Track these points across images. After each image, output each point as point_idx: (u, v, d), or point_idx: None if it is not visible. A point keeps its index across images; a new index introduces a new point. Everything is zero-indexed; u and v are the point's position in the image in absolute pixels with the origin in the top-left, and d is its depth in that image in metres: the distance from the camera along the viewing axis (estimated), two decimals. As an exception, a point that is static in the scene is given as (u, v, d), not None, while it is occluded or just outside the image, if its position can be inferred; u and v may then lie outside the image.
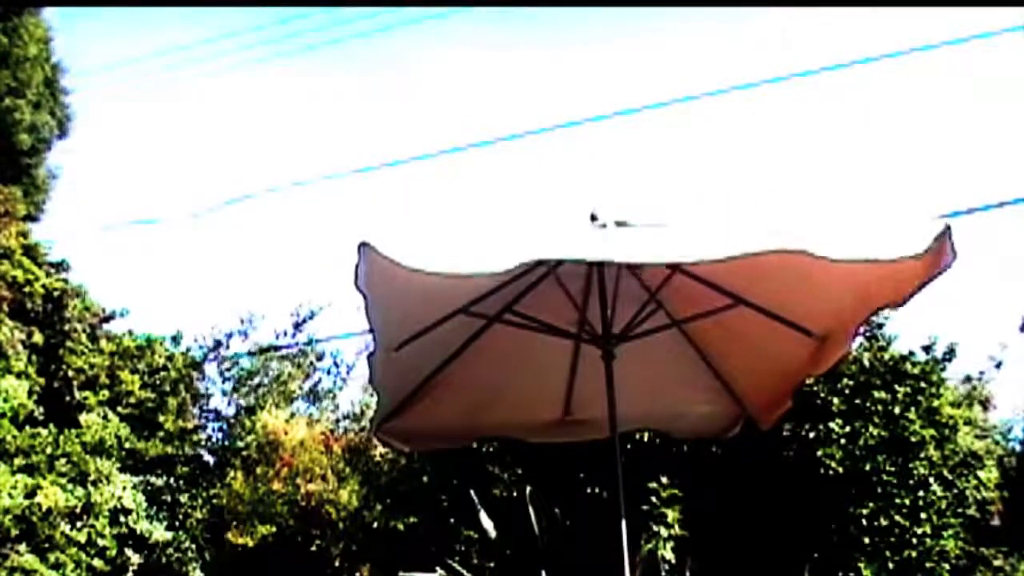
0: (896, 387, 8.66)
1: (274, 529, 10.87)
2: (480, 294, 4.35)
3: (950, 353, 9.52)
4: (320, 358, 13.64)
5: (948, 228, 3.26)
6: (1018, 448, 12.87)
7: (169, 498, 11.49)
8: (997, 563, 9.29)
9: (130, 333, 13.10)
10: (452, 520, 9.35)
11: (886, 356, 8.94)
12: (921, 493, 8.39)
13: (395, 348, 4.20)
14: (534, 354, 4.66)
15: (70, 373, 11.99)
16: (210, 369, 13.28)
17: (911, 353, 9.18)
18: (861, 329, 4.75)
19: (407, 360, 4.29)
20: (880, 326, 9.35)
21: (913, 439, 8.47)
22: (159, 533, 10.85)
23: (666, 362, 4.72)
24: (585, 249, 3.46)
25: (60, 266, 12.95)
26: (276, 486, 11.03)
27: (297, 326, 13.24)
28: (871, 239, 3.29)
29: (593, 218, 3.88)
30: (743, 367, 4.74)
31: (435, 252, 3.26)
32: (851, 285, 3.79)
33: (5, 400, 10.55)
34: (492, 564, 8.60)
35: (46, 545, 9.69)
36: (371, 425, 5.03)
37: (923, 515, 8.32)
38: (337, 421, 13.22)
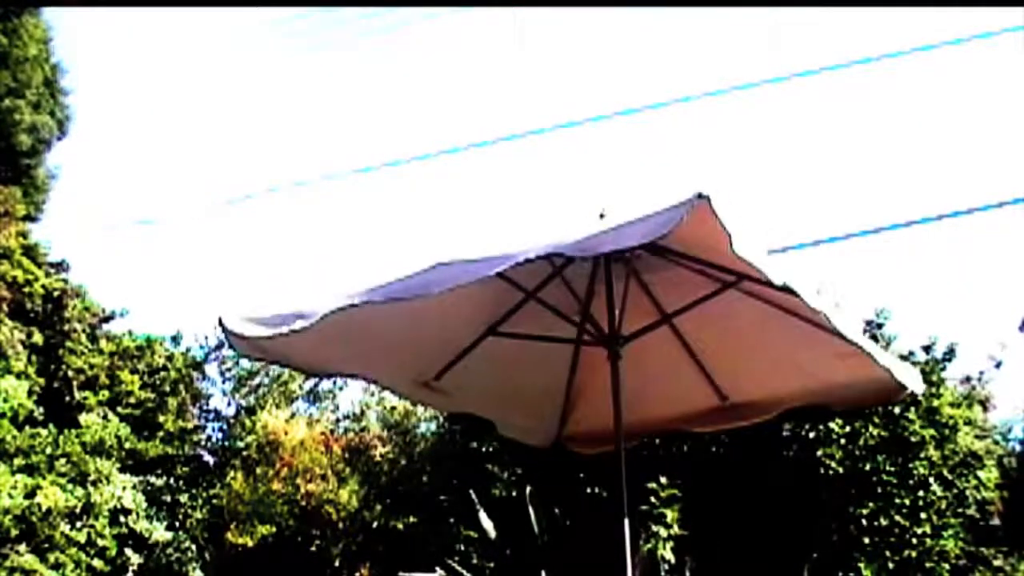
0: (896, 387, 8.64)
1: (274, 529, 10.88)
2: (500, 315, 4.38)
3: (950, 353, 9.52)
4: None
5: (699, 200, 3.03)
6: (1018, 448, 12.87)
7: (169, 498, 11.49)
8: (997, 563, 9.28)
9: (130, 333, 13.12)
10: (452, 520, 9.35)
11: (886, 356, 8.93)
12: (921, 493, 8.38)
13: (434, 377, 4.27)
14: (654, 351, 4.62)
15: (70, 373, 12.00)
16: (210, 369, 13.29)
17: (911, 353, 9.17)
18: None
19: (494, 376, 4.38)
20: (880, 326, 9.35)
21: (913, 439, 8.46)
22: (159, 533, 10.85)
23: (795, 340, 4.61)
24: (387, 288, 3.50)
25: (60, 266, 12.97)
26: (276, 486, 11.04)
27: (297, 326, 13.23)
28: (619, 229, 3.23)
29: (602, 216, 3.91)
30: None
31: (269, 317, 3.40)
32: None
33: (5, 400, 10.55)
34: (492, 564, 8.60)
35: (46, 545, 9.69)
36: (547, 441, 5.04)
37: (923, 515, 8.31)
38: (337, 421, 13.23)
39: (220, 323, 3.43)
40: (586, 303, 4.50)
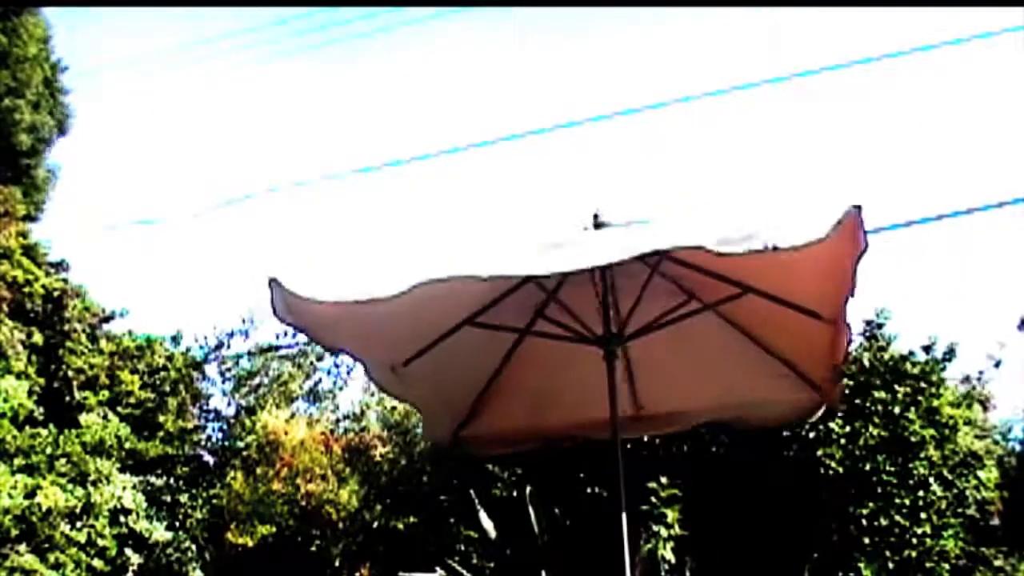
0: (896, 387, 8.66)
1: (274, 529, 10.87)
2: (482, 305, 4.37)
3: (950, 353, 9.52)
4: (321, 358, 13.62)
5: (856, 209, 3.17)
6: (1018, 448, 12.86)
7: (169, 498, 11.47)
8: (997, 563, 9.28)
9: (130, 333, 13.09)
10: (452, 520, 9.35)
11: (886, 356, 8.94)
12: (921, 493, 8.39)
13: (403, 363, 4.27)
14: (584, 354, 4.62)
15: (70, 373, 11.99)
16: (210, 369, 13.27)
17: (911, 353, 9.17)
18: (852, 321, 4.69)
19: (439, 370, 4.37)
20: (880, 326, 9.35)
21: (913, 439, 8.47)
22: (159, 533, 10.84)
23: (730, 352, 4.67)
24: (481, 266, 3.47)
25: (60, 266, 12.95)
26: (276, 486, 11.03)
27: (297, 326, 13.21)
28: (769, 228, 3.22)
29: (596, 217, 3.92)
30: (794, 352, 4.67)
31: (329, 283, 3.38)
32: (822, 271, 3.74)
33: (5, 400, 10.54)
34: (492, 564, 8.60)
35: (46, 545, 9.68)
36: (443, 438, 5.02)
37: (923, 515, 8.32)
38: (337, 421, 13.21)
39: (273, 282, 3.41)
40: (547, 301, 4.50)
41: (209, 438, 13.11)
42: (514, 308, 4.49)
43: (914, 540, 8.25)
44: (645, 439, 8.52)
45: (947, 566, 8.31)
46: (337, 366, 13.67)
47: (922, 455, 8.48)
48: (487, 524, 7.67)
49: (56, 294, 12.24)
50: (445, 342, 4.38)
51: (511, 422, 4.87)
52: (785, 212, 3.39)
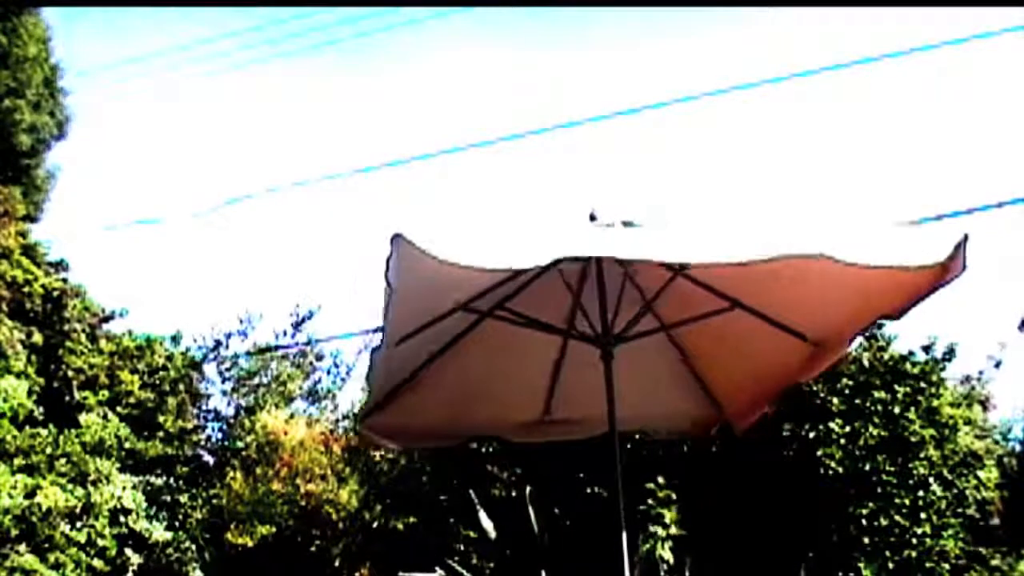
0: (896, 387, 8.66)
1: (274, 529, 10.87)
2: (481, 291, 4.32)
3: (950, 353, 9.51)
4: (320, 358, 13.65)
5: (966, 237, 3.29)
6: (1018, 448, 12.88)
7: (169, 498, 11.48)
8: (995, 563, 9.28)
9: (130, 333, 13.10)
10: (452, 520, 9.35)
11: (886, 356, 8.94)
12: (921, 493, 8.39)
13: (396, 343, 4.19)
14: (515, 355, 4.61)
15: (70, 373, 11.99)
16: (210, 369, 13.28)
17: (911, 353, 9.17)
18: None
19: (399, 355, 4.25)
20: (880, 326, 9.34)
21: (913, 439, 8.47)
22: (159, 533, 10.84)
23: (649, 363, 4.69)
24: (616, 247, 3.43)
25: (60, 266, 12.96)
26: (276, 486, 11.03)
27: (296, 326, 13.26)
28: (893, 246, 3.32)
29: (592, 218, 3.88)
30: (727, 370, 4.69)
31: (467, 246, 3.21)
32: (852, 292, 3.77)
33: (5, 400, 10.54)
34: (492, 564, 8.60)
35: (46, 545, 9.68)
36: (354, 420, 5.00)
37: (923, 515, 8.32)
38: (337, 421, 13.22)
39: (398, 237, 3.12)
40: (512, 295, 4.46)
41: (209, 438, 13.12)
42: (494, 299, 4.44)
43: (914, 540, 8.25)
44: (645, 438, 8.52)
45: (947, 566, 8.32)
46: (336, 366, 13.70)
47: (922, 455, 8.48)
48: (487, 524, 7.66)
49: (56, 294, 12.25)
50: (431, 328, 4.30)
51: (427, 417, 4.76)
52: (884, 229, 3.47)
